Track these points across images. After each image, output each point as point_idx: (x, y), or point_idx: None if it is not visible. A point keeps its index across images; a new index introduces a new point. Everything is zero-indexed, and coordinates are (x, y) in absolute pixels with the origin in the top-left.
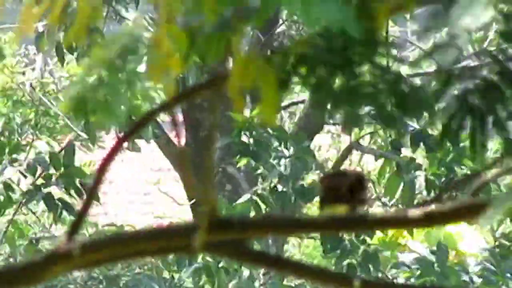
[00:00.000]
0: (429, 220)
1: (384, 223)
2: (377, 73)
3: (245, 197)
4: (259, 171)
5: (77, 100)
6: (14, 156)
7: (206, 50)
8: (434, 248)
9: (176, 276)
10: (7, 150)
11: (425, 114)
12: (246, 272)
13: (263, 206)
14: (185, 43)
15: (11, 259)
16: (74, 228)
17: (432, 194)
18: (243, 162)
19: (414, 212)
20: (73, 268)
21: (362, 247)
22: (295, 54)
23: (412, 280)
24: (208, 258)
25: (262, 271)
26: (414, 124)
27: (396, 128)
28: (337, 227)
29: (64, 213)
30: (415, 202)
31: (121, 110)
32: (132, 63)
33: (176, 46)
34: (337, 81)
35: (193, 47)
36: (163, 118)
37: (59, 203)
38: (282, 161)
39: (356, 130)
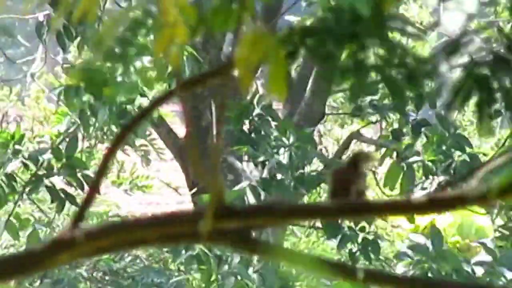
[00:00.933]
0: (432, 207)
1: (387, 209)
2: (384, 46)
3: (243, 184)
4: (260, 159)
5: (88, 71)
6: (17, 147)
7: (213, 23)
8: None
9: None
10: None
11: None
12: (237, 259)
13: (262, 193)
14: (193, 15)
15: (11, 249)
16: (79, 216)
17: (430, 180)
18: (243, 149)
19: (418, 199)
20: (78, 256)
21: (361, 235)
22: (303, 27)
23: (411, 266)
24: (201, 247)
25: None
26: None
27: (402, 99)
28: (342, 214)
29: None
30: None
31: (131, 83)
32: (142, 36)
33: (184, 18)
34: (344, 54)
35: (201, 20)
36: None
37: (62, 194)
38: (282, 150)
39: (358, 120)
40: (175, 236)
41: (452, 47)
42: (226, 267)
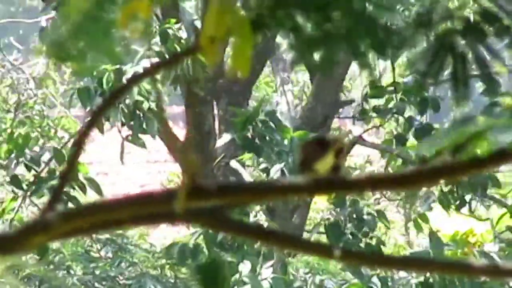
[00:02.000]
0: (401, 182)
1: (357, 185)
2: (353, 17)
3: None
4: (262, 166)
5: (57, 45)
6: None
7: None
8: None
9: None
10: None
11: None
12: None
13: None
14: None
15: None
16: (54, 198)
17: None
18: (247, 157)
19: (384, 174)
20: (53, 237)
21: (364, 240)
22: None
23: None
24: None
25: (265, 265)
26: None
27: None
28: (318, 190)
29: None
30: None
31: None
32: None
33: None
34: (313, 24)
35: None
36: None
37: (64, 196)
38: (284, 155)
39: (361, 124)
40: (150, 217)
41: (425, 16)
42: (237, 276)
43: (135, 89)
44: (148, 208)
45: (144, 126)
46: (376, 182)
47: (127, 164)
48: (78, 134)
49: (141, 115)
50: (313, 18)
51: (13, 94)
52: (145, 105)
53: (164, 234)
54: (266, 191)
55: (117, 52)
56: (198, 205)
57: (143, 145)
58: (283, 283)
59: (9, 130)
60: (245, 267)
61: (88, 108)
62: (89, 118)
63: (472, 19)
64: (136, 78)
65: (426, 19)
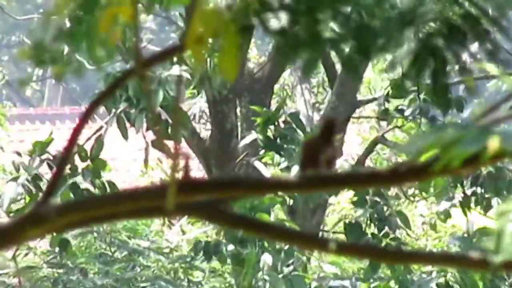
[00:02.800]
0: (395, 177)
1: (352, 180)
2: (339, 20)
3: None
4: (283, 165)
5: (37, 48)
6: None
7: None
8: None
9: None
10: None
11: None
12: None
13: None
14: None
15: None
16: (49, 191)
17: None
18: (268, 157)
19: (381, 169)
20: (48, 231)
21: (384, 241)
22: (258, 0)
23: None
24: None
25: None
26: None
27: (356, 73)
28: (309, 187)
29: None
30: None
31: (81, 61)
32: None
33: None
34: (300, 27)
35: None
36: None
37: (85, 193)
38: None
39: (383, 124)
40: (143, 211)
41: (408, 18)
42: (259, 274)
43: (160, 94)
44: (143, 202)
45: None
46: (362, 179)
47: (139, 162)
48: (73, 129)
49: (166, 120)
50: (300, 21)
51: None
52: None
53: (179, 230)
54: (257, 187)
55: (99, 56)
56: (191, 199)
57: (168, 151)
58: (303, 282)
59: None
60: (266, 264)
61: (112, 112)
62: (84, 112)
63: (454, 21)
64: (126, 76)
65: (409, 20)
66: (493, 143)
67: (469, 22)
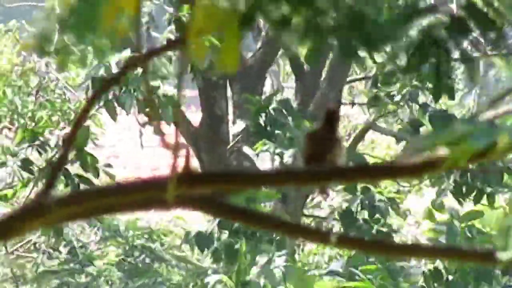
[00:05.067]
0: (400, 171)
1: (359, 174)
2: (342, 11)
3: None
4: (277, 151)
5: (40, 38)
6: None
7: None
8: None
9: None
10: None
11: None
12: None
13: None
14: None
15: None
16: (50, 183)
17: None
18: (259, 145)
19: (382, 164)
20: (50, 222)
21: (375, 226)
22: None
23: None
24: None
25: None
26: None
27: (357, 62)
28: (312, 179)
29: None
30: None
31: (84, 52)
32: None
33: None
34: (301, 18)
35: None
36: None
37: (76, 178)
38: (296, 142)
39: (374, 110)
40: (144, 203)
41: (411, 10)
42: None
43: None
44: (143, 194)
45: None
46: (368, 173)
47: (138, 148)
48: (77, 117)
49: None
50: (301, 12)
51: (34, 77)
52: (160, 92)
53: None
54: (258, 179)
55: (102, 46)
56: (191, 191)
57: (160, 132)
58: (295, 272)
59: (30, 114)
60: (261, 259)
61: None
62: (88, 100)
63: (457, 13)
64: (129, 65)
65: (412, 12)
66: (504, 138)
67: (472, 13)
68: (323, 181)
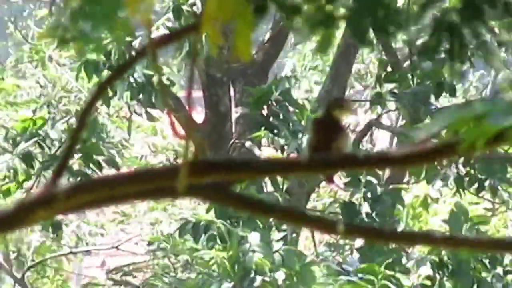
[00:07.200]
0: (407, 159)
1: (366, 163)
2: None
3: None
4: (281, 142)
5: (57, 28)
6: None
7: None
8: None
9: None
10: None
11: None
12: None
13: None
14: None
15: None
16: (58, 173)
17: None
18: (261, 135)
19: (393, 152)
20: (58, 212)
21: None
22: None
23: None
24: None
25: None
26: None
27: (370, 47)
28: (324, 167)
29: None
30: None
31: (100, 38)
32: None
33: None
34: (313, 7)
35: None
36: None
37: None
38: (300, 134)
39: (377, 107)
40: (154, 192)
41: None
42: (247, 245)
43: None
44: (152, 183)
45: (153, 100)
46: (376, 161)
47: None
48: (83, 108)
49: (150, 89)
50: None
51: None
52: (154, 79)
53: None
54: (268, 168)
55: (119, 33)
56: (200, 181)
57: (152, 119)
58: (295, 255)
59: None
60: (254, 238)
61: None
62: (95, 91)
63: None
64: (139, 55)
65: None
66: None
67: None
68: (332, 169)
